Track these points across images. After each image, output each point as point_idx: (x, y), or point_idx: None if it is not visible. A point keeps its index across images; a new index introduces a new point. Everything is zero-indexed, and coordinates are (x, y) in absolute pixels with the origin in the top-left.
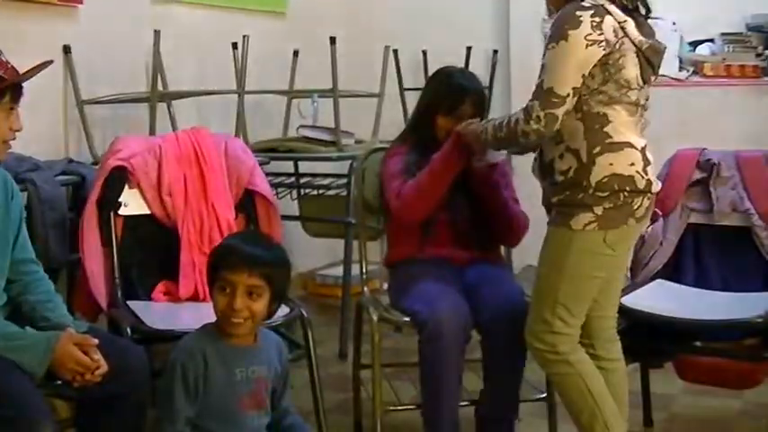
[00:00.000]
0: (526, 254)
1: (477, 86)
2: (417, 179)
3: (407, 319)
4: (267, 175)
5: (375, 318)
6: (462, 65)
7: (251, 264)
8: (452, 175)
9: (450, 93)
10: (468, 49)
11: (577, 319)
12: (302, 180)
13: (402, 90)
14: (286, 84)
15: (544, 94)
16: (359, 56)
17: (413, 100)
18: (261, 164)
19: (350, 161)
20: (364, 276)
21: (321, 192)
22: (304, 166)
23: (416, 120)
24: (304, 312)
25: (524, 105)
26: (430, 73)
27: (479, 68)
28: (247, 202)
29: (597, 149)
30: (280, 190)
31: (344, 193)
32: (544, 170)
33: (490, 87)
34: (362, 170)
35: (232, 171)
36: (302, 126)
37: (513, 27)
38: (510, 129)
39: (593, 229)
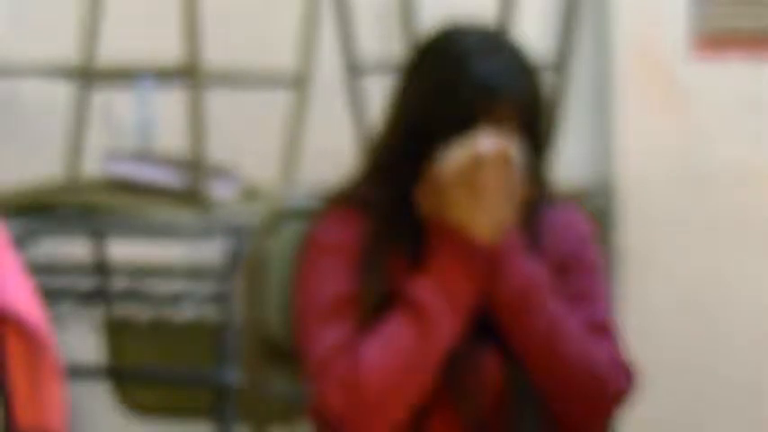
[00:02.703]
0: None
1: (519, 77)
2: (393, 343)
3: None
4: (34, 270)
5: None
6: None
7: None
8: (464, 326)
9: (461, 95)
10: None
11: None
12: (115, 283)
13: (352, 69)
14: (74, 51)
15: None
16: None
17: (379, 95)
18: (18, 243)
19: (229, 240)
20: None
21: (160, 314)
22: (119, 250)
23: (389, 151)
24: None
25: None
26: (417, 27)
27: (532, 14)
28: None
29: None
30: (63, 306)
31: (214, 318)
32: None
33: (559, 63)
34: (259, 262)
35: None
36: (113, 155)
37: None
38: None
39: None
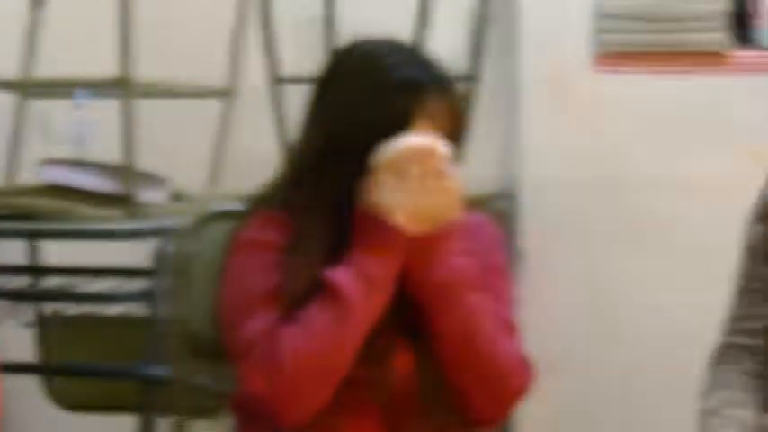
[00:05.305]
0: None
1: (442, 75)
2: (311, 326)
3: None
4: None
5: None
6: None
7: None
8: (380, 309)
9: (388, 97)
10: None
11: None
12: (47, 282)
13: (276, 81)
14: (14, 64)
15: None
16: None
17: (299, 103)
18: None
19: (156, 241)
20: None
21: (90, 312)
22: (53, 252)
23: (313, 156)
24: None
25: None
26: (336, 42)
27: (448, 28)
28: None
29: None
30: None
31: (141, 314)
32: None
33: (470, 75)
34: (185, 262)
35: None
36: (49, 161)
37: None
38: None
39: None
